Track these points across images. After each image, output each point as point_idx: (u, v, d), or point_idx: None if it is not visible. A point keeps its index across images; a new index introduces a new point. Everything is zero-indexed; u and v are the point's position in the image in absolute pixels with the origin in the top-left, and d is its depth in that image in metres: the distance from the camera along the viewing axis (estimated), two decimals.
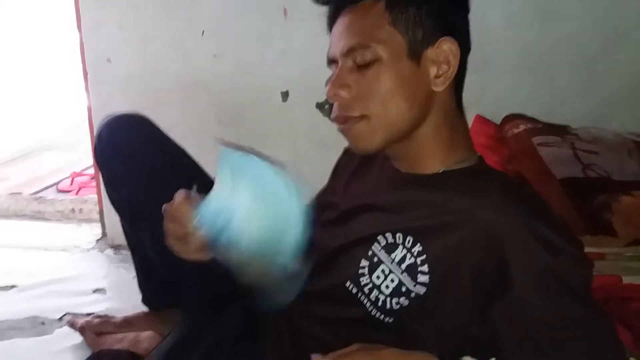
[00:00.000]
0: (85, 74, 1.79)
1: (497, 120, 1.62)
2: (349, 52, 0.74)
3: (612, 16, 1.63)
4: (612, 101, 1.68)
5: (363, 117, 0.75)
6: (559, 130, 1.52)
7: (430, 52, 0.74)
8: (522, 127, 1.54)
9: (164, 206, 0.80)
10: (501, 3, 1.61)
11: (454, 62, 0.74)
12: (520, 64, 1.66)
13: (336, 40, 0.77)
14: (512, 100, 1.65)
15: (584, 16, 1.63)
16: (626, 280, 1.07)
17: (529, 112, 1.61)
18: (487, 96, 1.62)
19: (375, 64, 0.73)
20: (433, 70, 0.74)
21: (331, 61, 0.79)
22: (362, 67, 0.74)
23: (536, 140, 1.47)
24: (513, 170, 1.43)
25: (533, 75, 1.68)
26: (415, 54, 0.73)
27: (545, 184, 1.33)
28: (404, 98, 0.74)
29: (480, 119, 1.59)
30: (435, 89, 0.75)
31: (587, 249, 1.16)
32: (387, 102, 0.73)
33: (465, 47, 0.76)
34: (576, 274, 0.67)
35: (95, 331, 1.28)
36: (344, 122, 0.77)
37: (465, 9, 0.78)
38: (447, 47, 0.74)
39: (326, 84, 0.77)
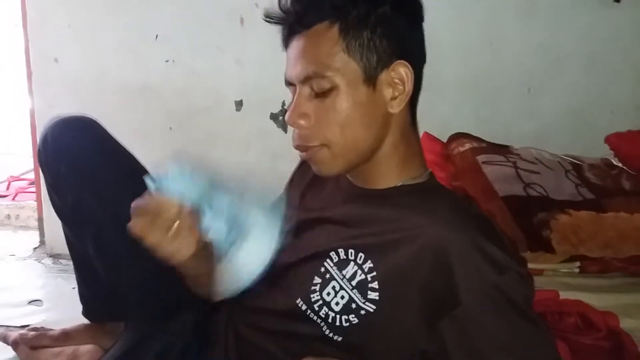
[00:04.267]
0: (30, 73, 1.71)
1: (444, 138, 1.67)
2: (306, 80, 0.74)
3: (552, 43, 1.73)
4: (551, 125, 1.78)
5: (323, 145, 0.75)
6: (502, 150, 1.59)
7: (385, 75, 0.74)
8: (467, 146, 1.59)
9: (135, 202, 0.72)
10: (451, 25, 1.67)
11: (409, 85, 0.75)
12: (467, 85, 1.73)
13: (292, 64, 0.76)
14: (458, 119, 1.72)
15: (528, 42, 1.72)
16: (563, 295, 1.12)
17: (473, 132, 1.67)
18: (435, 115, 1.67)
19: (333, 91, 0.73)
20: (389, 93, 0.75)
21: (289, 83, 0.78)
22: (320, 94, 0.74)
23: (480, 158, 1.53)
24: (458, 186, 1.48)
25: (479, 96, 1.75)
26: (371, 79, 0.74)
27: (489, 201, 1.38)
28: (362, 124, 0.74)
29: (428, 136, 1.64)
30: (391, 110, 0.76)
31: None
32: (346, 130, 0.74)
33: (420, 60, 0.78)
34: (520, 290, 0.70)
35: (30, 345, 1.21)
36: (305, 151, 0.77)
37: (418, 23, 0.78)
38: (401, 70, 0.75)
39: (287, 109, 0.77)
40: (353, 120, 0.74)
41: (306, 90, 0.75)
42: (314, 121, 0.75)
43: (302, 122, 0.75)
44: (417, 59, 0.77)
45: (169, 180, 0.71)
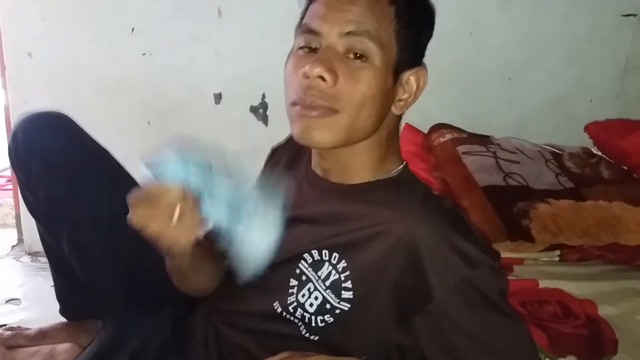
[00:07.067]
0: (3, 68, 1.67)
1: (425, 129, 1.67)
2: (349, 34, 0.68)
3: (532, 33, 1.73)
4: (532, 114, 1.78)
5: (336, 112, 0.69)
6: (483, 140, 1.59)
7: (406, 75, 0.73)
8: (448, 137, 1.60)
9: (133, 193, 0.68)
10: None
11: (419, 93, 0.75)
12: (447, 76, 1.73)
13: (336, 11, 0.69)
14: (439, 110, 1.71)
15: (508, 31, 1.72)
16: (542, 284, 1.13)
17: (455, 122, 1.67)
18: (416, 105, 1.64)
19: (367, 63, 0.69)
20: (400, 93, 0.74)
21: (311, 31, 0.71)
22: (352, 56, 0.69)
23: (461, 149, 1.53)
24: (439, 177, 1.48)
25: (460, 86, 1.75)
26: (397, 72, 0.72)
27: (469, 191, 1.38)
28: (375, 109, 0.71)
29: (409, 127, 1.63)
30: (394, 110, 0.75)
31: (506, 254, 1.22)
32: (364, 106, 0.70)
33: None
34: (493, 284, 0.70)
35: (6, 345, 1.19)
36: (314, 109, 0.69)
37: None
38: (420, 77, 0.74)
39: (309, 65, 0.69)
40: (373, 101, 0.70)
41: (339, 45, 0.69)
42: (339, 83, 0.69)
43: (328, 77, 0.68)
44: None
45: (166, 166, 0.67)
